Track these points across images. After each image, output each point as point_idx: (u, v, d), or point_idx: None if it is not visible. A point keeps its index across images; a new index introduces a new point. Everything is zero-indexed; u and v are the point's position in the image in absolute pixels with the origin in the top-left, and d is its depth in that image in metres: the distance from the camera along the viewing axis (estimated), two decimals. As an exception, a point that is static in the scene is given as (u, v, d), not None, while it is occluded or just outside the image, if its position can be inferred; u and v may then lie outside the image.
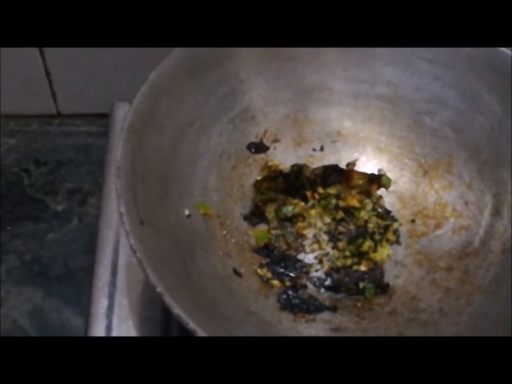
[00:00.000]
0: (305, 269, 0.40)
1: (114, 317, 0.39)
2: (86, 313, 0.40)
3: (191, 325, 0.28)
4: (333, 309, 0.38)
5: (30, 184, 0.59)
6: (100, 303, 0.40)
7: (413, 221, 0.42)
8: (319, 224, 0.42)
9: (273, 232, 0.41)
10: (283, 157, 0.44)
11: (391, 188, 0.44)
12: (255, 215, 0.42)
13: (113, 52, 0.57)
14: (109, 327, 0.38)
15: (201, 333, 0.28)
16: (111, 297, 0.40)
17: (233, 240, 0.40)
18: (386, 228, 0.41)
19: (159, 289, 0.28)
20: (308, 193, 0.43)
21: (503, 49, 0.40)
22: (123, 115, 0.51)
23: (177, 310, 0.28)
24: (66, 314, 0.52)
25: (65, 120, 0.63)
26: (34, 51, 0.56)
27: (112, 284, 0.40)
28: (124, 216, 0.31)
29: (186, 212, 0.38)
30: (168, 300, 0.28)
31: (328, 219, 0.42)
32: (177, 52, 0.38)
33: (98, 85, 0.60)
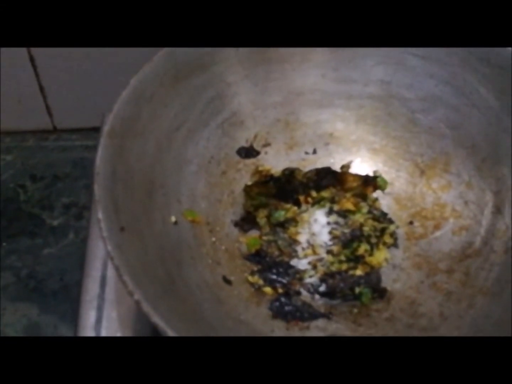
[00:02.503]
0: (298, 275, 0.38)
1: (103, 330, 0.38)
2: (74, 326, 0.39)
3: (170, 334, 0.27)
4: (328, 316, 0.36)
5: (26, 200, 0.58)
6: (89, 316, 0.38)
7: (411, 223, 0.41)
8: (313, 228, 0.40)
9: (265, 238, 0.40)
10: (275, 162, 0.43)
11: (387, 190, 0.42)
12: (246, 221, 0.40)
13: (106, 64, 0.56)
14: (97, 340, 0.37)
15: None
16: (100, 309, 0.39)
17: (223, 247, 0.39)
18: (383, 231, 0.40)
19: (136, 296, 0.27)
20: (301, 197, 0.42)
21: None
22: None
23: (155, 319, 0.27)
24: (62, 329, 0.51)
25: (61, 135, 0.63)
26: (27, 66, 0.56)
27: (101, 297, 0.39)
28: (102, 222, 0.30)
29: (173, 219, 0.37)
30: (146, 308, 0.27)
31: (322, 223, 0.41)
32: (159, 56, 0.37)
33: (92, 98, 0.59)
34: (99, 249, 0.42)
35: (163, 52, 0.38)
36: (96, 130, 0.61)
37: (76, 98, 0.60)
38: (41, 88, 0.58)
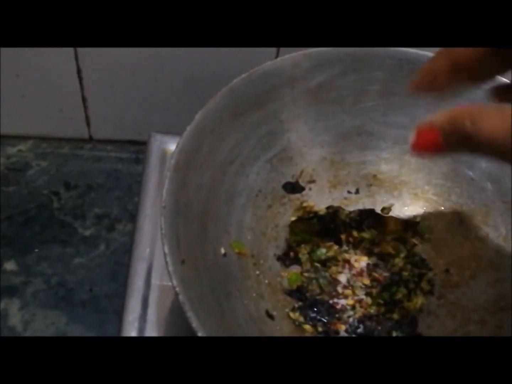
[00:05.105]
0: (337, 315, 0.39)
1: (144, 352, 0.39)
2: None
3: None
4: (365, 357, 0.37)
5: (59, 208, 0.59)
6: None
7: (447, 270, 0.42)
8: (353, 269, 0.42)
9: (306, 274, 0.41)
10: (318, 198, 0.44)
11: (426, 236, 0.44)
12: (289, 256, 0.42)
13: (149, 83, 0.57)
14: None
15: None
16: (141, 331, 0.40)
17: (266, 281, 0.40)
18: (421, 277, 0.41)
19: (200, 334, 0.28)
20: (343, 237, 0.43)
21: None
22: (158, 146, 0.52)
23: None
24: (88, 341, 0.51)
25: (97, 145, 0.64)
26: (74, 77, 0.57)
27: (143, 318, 0.40)
28: (167, 256, 0.31)
29: (222, 251, 0.38)
30: (209, 346, 0.28)
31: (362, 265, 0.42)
32: (221, 93, 0.39)
33: (131, 113, 0.61)
34: (141, 270, 0.43)
35: (225, 89, 0.39)
36: (131, 143, 0.63)
37: (115, 112, 0.61)
38: (84, 99, 0.59)
